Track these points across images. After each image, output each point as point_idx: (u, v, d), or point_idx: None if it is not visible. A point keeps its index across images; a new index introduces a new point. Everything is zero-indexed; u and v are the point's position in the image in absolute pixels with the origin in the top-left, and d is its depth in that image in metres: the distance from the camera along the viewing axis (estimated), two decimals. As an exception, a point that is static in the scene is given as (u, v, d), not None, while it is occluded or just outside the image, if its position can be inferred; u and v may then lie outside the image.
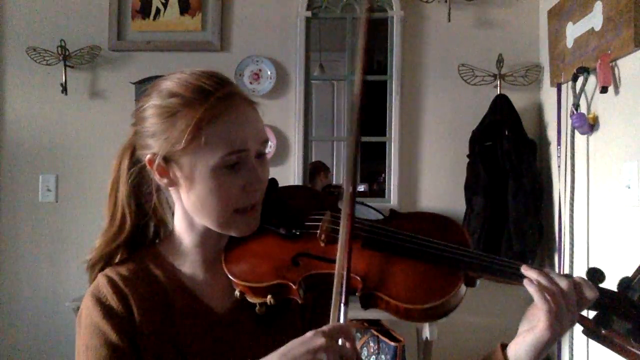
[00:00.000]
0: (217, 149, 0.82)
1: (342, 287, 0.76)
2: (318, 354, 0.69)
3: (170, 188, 0.90)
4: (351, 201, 0.81)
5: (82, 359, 0.85)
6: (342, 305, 0.75)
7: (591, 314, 0.81)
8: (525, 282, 0.76)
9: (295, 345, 0.71)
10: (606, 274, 0.81)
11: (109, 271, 0.90)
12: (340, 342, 0.71)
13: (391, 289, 0.79)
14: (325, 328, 0.71)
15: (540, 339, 0.75)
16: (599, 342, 0.78)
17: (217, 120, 0.82)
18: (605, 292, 0.79)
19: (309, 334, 0.71)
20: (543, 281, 0.76)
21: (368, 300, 0.80)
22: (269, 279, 0.83)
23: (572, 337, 2.11)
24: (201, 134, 0.81)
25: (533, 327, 0.76)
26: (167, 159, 0.85)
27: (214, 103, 0.82)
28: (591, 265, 2.05)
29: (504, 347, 0.81)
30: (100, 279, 0.89)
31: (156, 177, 0.88)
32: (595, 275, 0.80)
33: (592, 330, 0.78)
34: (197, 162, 0.83)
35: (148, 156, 0.87)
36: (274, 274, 0.83)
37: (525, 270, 0.78)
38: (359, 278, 0.80)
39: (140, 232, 0.95)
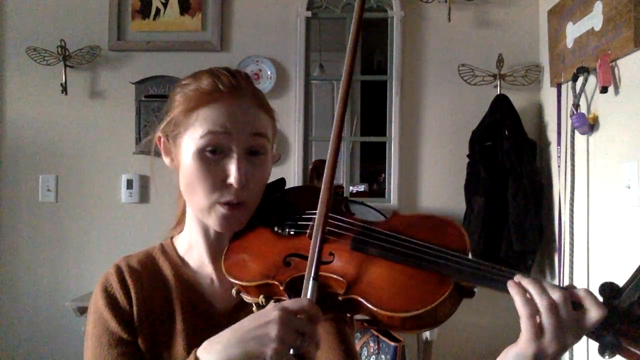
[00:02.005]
0: (200, 129, 0.83)
1: (312, 261, 0.74)
2: (268, 327, 0.66)
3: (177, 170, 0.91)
4: (329, 188, 0.80)
5: (88, 344, 0.88)
6: (310, 281, 0.73)
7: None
8: (509, 283, 0.68)
9: (248, 319, 0.69)
10: (622, 289, 0.68)
11: (121, 261, 0.94)
12: (298, 316, 0.68)
13: (373, 295, 0.74)
14: (285, 302, 0.69)
15: (522, 355, 0.65)
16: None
17: (209, 105, 0.84)
18: (618, 312, 0.66)
19: (268, 306, 0.69)
20: (528, 286, 0.67)
21: (350, 305, 0.76)
22: (258, 279, 0.82)
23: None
24: (190, 116, 0.84)
25: (517, 341, 0.67)
26: (168, 138, 0.89)
27: (214, 91, 0.84)
28: (592, 265, 2.06)
29: None
30: (111, 269, 0.92)
31: (163, 155, 0.91)
32: (608, 291, 0.68)
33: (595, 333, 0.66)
34: (185, 144, 0.85)
35: (158, 134, 0.91)
36: (264, 274, 0.82)
37: (517, 277, 0.69)
38: (344, 281, 0.77)
39: None
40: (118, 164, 2.58)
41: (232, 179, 0.83)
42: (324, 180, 0.81)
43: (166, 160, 0.91)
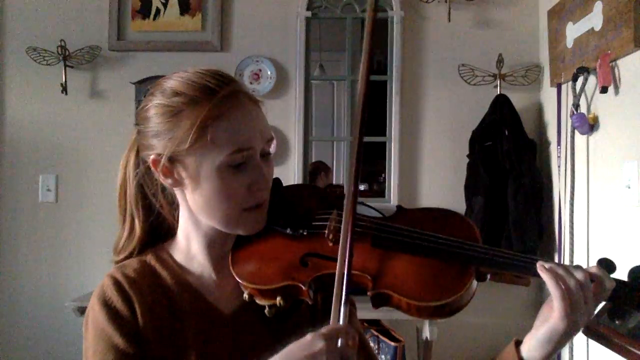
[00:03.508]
0: (223, 148, 0.81)
1: (341, 287, 0.75)
2: (318, 357, 0.68)
3: (175, 189, 0.89)
4: (353, 202, 0.80)
5: None
6: (341, 305, 0.74)
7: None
8: (539, 267, 0.75)
9: (294, 349, 0.70)
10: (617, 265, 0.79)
11: (115, 271, 0.90)
12: (340, 343, 0.69)
13: (402, 287, 0.78)
14: (324, 330, 0.70)
15: (555, 330, 0.73)
16: (600, 342, 0.77)
17: (223, 118, 0.81)
18: (621, 283, 0.76)
19: (308, 337, 0.70)
20: (558, 269, 0.75)
21: (379, 299, 0.79)
22: (278, 281, 0.82)
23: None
24: (206, 133, 0.81)
25: (547, 318, 0.74)
26: (172, 159, 0.84)
27: (218, 101, 0.81)
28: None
29: (519, 343, 0.78)
30: (106, 281, 0.88)
31: (160, 177, 0.88)
32: (606, 265, 0.78)
33: (594, 331, 0.77)
34: (203, 162, 0.82)
35: (152, 157, 0.86)
36: (283, 276, 0.82)
37: (541, 262, 0.77)
38: (369, 277, 0.79)
39: (154, 230, 0.96)
40: (118, 164, 2.57)
41: (262, 186, 0.85)
42: (346, 197, 0.81)
43: (167, 182, 0.87)
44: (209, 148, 0.81)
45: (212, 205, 0.84)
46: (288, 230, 0.88)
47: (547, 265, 0.76)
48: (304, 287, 0.80)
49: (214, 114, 0.81)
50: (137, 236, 0.94)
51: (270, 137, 0.88)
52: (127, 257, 0.95)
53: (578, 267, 0.76)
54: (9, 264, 2.61)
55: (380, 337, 2.20)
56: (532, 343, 0.75)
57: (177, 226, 0.94)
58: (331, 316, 0.73)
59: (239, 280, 0.84)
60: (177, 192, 0.90)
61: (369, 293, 0.79)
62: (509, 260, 0.80)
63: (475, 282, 0.80)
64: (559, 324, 0.72)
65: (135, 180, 0.93)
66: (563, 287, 0.72)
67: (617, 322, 0.75)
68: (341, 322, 0.73)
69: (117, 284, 0.87)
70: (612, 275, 0.77)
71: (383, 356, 2.16)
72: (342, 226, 0.79)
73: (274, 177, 0.96)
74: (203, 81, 0.83)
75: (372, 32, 0.87)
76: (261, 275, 0.84)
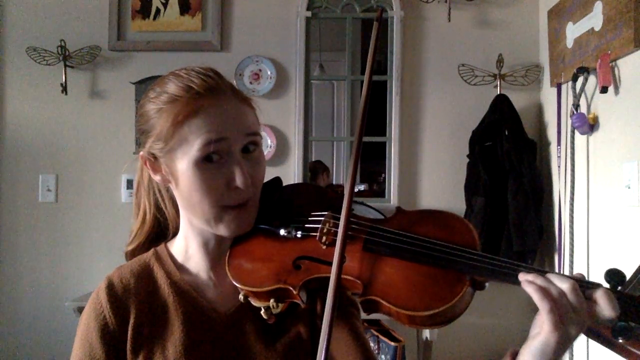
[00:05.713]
0: (196, 141, 0.80)
1: (332, 292, 0.73)
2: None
3: (168, 185, 0.90)
4: (346, 220, 0.78)
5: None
6: (332, 311, 0.71)
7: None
8: (523, 283, 0.72)
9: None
10: (626, 275, 0.73)
11: (115, 272, 0.92)
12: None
13: (392, 295, 0.75)
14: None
15: (547, 344, 0.69)
16: (600, 342, 0.75)
17: (197, 114, 0.80)
18: (629, 299, 0.70)
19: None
20: (539, 281, 0.71)
21: (369, 305, 0.77)
22: (270, 284, 0.81)
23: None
24: (181, 129, 0.81)
25: (539, 331, 0.71)
26: (155, 156, 0.86)
27: (194, 98, 0.81)
28: (593, 265, 2.06)
29: (515, 355, 0.74)
30: (103, 284, 0.90)
31: (151, 174, 0.89)
32: (614, 277, 0.73)
33: (594, 331, 0.73)
34: (180, 158, 0.82)
35: (141, 153, 0.88)
36: (275, 279, 0.81)
37: (522, 275, 0.73)
38: (359, 282, 0.77)
39: (161, 226, 0.98)
40: (118, 164, 2.57)
41: (238, 182, 0.82)
42: (343, 209, 0.79)
43: (156, 177, 0.88)
44: (185, 144, 0.81)
45: (192, 203, 0.84)
46: (282, 232, 0.86)
47: (529, 278, 0.72)
48: (294, 291, 0.79)
49: (188, 111, 0.80)
50: (146, 229, 0.97)
51: (251, 131, 0.84)
52: (137, 247, 0.97)
53: (566, 277, 0.73)
54: (9, 264, 2.61)
55: (380, 337, 2.20)
56: (527, 357, 0.71)
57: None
58: (323, 321, 0.71)
59: (234, 282, 0.84)
60: (172, 190, 0.90)
61: (358, 299, 0.77)
62: (504, 269, 0.75)
63: (470, 290, 0.76)
64: (550, 337, 0.69)
65: (147, 175, 0.95)
66: (548, 299, 0.69)
67: (620, 339, 0.70)
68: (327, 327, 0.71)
69: (111, 289, 0.89)
70: (621, 286, 0.72)
71: (383, 356, 2.16)
72: (339, 233, 0.77)
73: (275, 176, 0.95)
74: (188, 80, 0.83)
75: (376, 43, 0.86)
76: (254, 277, 0.83)
